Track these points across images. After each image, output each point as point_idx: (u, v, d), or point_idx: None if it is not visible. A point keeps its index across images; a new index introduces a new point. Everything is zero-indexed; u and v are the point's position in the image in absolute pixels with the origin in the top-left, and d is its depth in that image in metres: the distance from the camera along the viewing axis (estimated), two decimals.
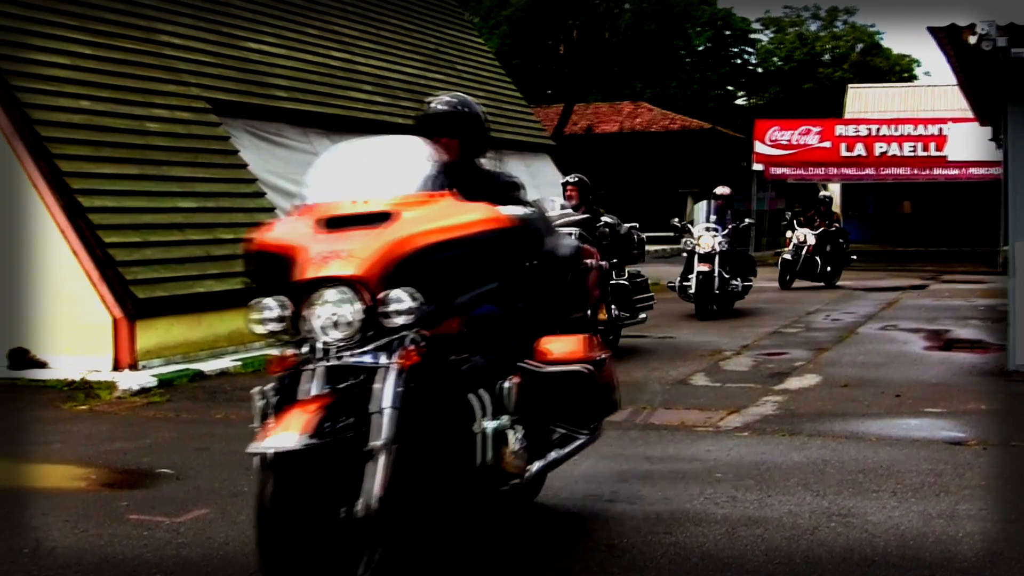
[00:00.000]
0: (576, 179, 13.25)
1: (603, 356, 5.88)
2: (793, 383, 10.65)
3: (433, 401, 4.54)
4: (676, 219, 17.63)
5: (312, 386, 4.33)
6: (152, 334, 11.44)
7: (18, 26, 12.27)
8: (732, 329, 15.04)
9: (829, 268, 22.95)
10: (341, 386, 4.34)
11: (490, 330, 5.02)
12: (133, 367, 11.24)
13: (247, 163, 14.51)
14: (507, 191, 5.37)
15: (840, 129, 35.41)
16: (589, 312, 11.81)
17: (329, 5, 18.50)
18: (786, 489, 6.56)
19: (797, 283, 22.61)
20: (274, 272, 4.53)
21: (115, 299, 11.37)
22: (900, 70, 57.62)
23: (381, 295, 4.33)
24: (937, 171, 33.96)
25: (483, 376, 4.85)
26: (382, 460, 4.16)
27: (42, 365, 11.32)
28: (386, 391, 4.25)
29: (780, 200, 39.65)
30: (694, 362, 11.99)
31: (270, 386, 4.42)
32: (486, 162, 5.83)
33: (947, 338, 14.05)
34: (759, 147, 35.08)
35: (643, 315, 13.49)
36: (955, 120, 32.67)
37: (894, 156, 34.30)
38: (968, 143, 31.70)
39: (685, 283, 16.64)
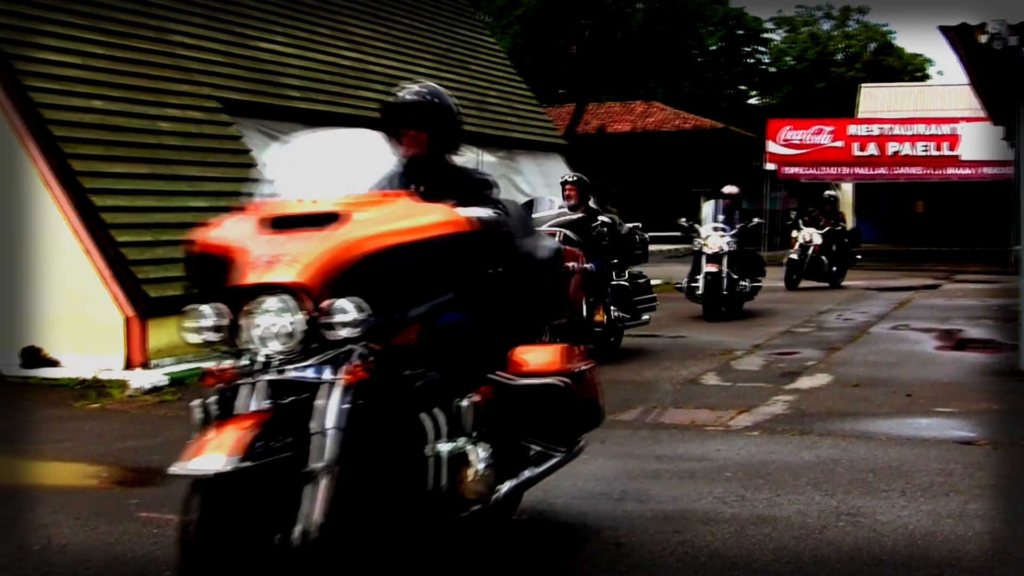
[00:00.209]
0: (575, 178, 13.04)
1: (584, 367, 5.45)
2: (804, 382, 10.64)
3: (381, 421, 4.19)
4: (683, 219, 17.34)
5: (250, 401, 4.03)
6: (164, 333, 11.46)
7: (31, 26, 12.31)
8: (743, 329, 15.02)
9: (835, 268, 22.75)
10: (281, 402, 4.03)
11: (456, 341, 4.70)
12: (145, 366, 11.27)
13: (259, 162, 14.52)
14: (477, 189, 5.05)
15: (852, 129, 35.33)
16: (585, 313, 11.87)
17: (341, 5, 18.53)
18: (795, 488, 6.56)
19: (803, 283, 22.42)
20: (216, 275, 4.22)
21: (127, 298, 11.41)
22: (912, 69, 57.51)
23: (324, 304, 3.99)
24: (950, 171, 33.86)
25: (440, 393, 4.52)
26: (323, 483, 3.84)
27: (54, 364, 11.36)
28: (329, 409, 3.93)
29: (792, 200, 39.54)
30: (705, 361, 11.98)
31: (212, 399, 4.10)
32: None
33: (959, 338, 14.02)
34: (772, 147, 35.02)
35: (646, 316, 13.32)
36: (968, 119, 32.57)
37: (907, 156, 34.21)
38: (981, 143, 31.59)
39: (693, 284, 16.38)
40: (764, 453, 7.58)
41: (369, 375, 4.04)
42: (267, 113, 15.33)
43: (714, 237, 16.35)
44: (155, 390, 10.58)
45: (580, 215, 12.10)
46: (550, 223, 11.44)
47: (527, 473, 5.13)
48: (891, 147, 34.34)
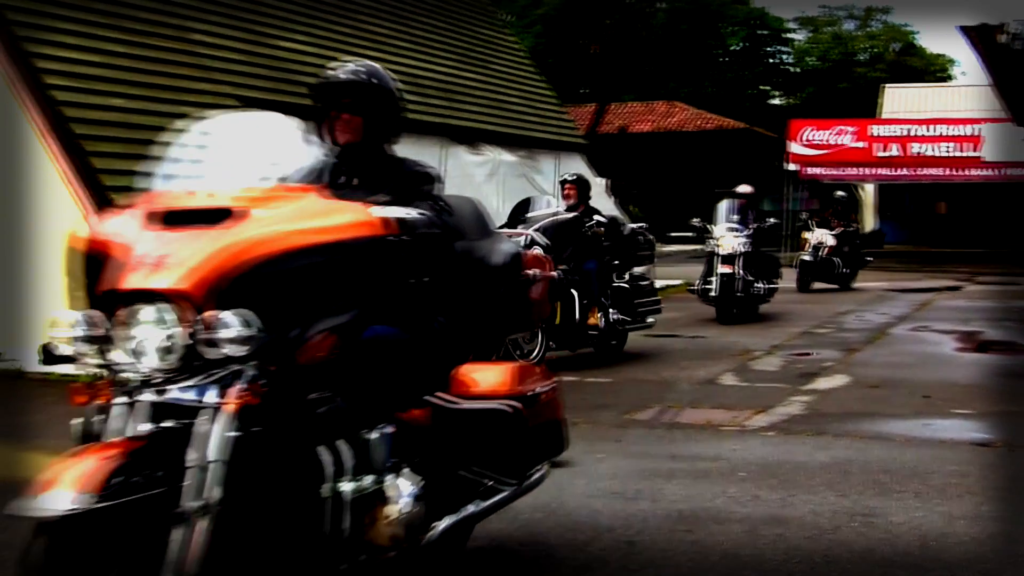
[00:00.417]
0: (574, 177, 12.87)
1: (541, 389, 4.84)
2: (822, 383, 10.62)
3: (271, 454, 3.63)
4: (696, 219, 16.96)
5: (126, 425, 3.49)
6: None
7: (52, 24, 12.37)
8: (762, 330, 14.99)
9: (846, 270, 22.39)
10: (156, 428, 3.52)
11: (382, 359, 4.15)
12: None
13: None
14: (416, 183, 4.50)
15: (874, 129, 35.21)
16: (578, 316, 11.68)
17: (361, 4, 18.56)
18: (809, 489, 6.55)
19: (814, 285, 21.98)
20: (97, 276, 3.67)
21: None
22: (935, 70, 57.29)
23: (207, 316, 3.44)
24: (972, 172, 33.71)
25: (346, 422, 3.94)
26: (198, 526, 3.30)
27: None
28: (211, 438, 3.40)
29: (814, 200, 39.44)
30: (723, 362, 11.97)
31: (97, 418, 3.58)
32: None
33: (979, 340, 13.97)
34: (794, 147, 34.92)
35: (651, 319, 12.98)
36: (991, 120, 32.42)
37: (929, 156, 34.07)
38: (1004, 144, 31.46)
39: (706, 286, 16.01)
40: (779, 453, 7.57)
41: (260, 400, 3.49)
42: (286, 111, 15.26)
43: (728, 238, 16.02)
44: None
45: (571, 215, 11.92)
46: (546, 223, 11.35)
47: (471, 508, 4.54)
48: (913, 148, 34.20)
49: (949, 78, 56.53)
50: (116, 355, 3.57)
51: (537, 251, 5.58)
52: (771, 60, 58.68)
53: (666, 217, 34.53)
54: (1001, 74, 12.42)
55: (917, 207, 41.02)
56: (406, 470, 4.15)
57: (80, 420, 3.63)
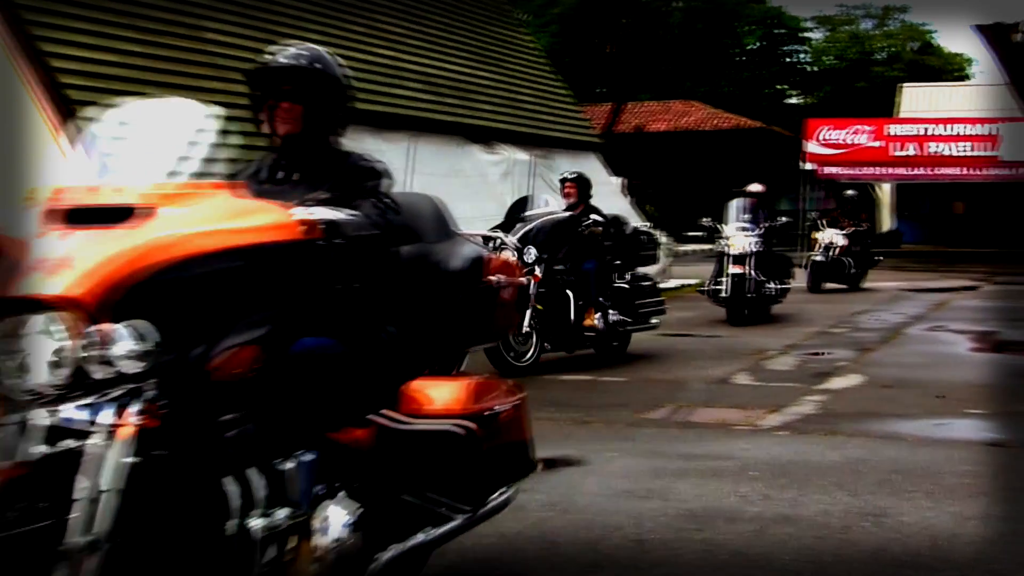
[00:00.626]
0: (574, 175, 12.68)
1: (501, 407, 4.39)
2: (836, 383, 10.59)
3: (172, 484, 3.21)
4: (706, 218, 16.73)
5: (12, 449, 3.13)
6: None
7: (67, 24, 12.43)
8: (777, 329, 14.96)
9: (855, 270, 22.03)
10: (46, 452, 3.12)
11: (314, 374, 3.71)
12: None
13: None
14: (361, 179, 4.11)
15: (891, 128, 35.15)
16: (573, 317, 11.31)
17: (376, 3, 18.61)
18: (820, 488, 6.53)
19: (824, 286, 21.60)
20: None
21: None
22: (952, 69, 57.08)
23: (100, 329, 3.09)
24: (990, 171, 33.61)
25: (262, 447, 3.49)
26: (85, 565, 2.92)
27: None
28: (103, 465, 3.03)
29: (830, 200, 39.39)
30: (737, 361, 11.95)
31: None
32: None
33: (995, 340, 13.92)
34: (810, 146, 34.89)
35: (654, 320, 12.72)
36: (1008, 119, 32.32)
37: (946, 155, 33.99)
38: (1021, 142, 31.38)
39: (716, 286, 15.72)
40: (791, 453, 7.55)
41: (160, 422, 3.17)
42: None
43: (738, 237, 15.78)
44: None
45: (566, 214, 11.77)
46: (538, 223, 11.26)
47: (420, 537, 4.09)
48: (930, 147, 34.12)
49: (967, 77, 56.36)
50: (3, 369, 3.18)
51: (506, 255, 5.16)
52: (788, 59, 58.53)
53: (682, 216, 34.46)
54: (1017, 73, 12.38)
55: (934, 207, 40.92)
56: (341, 497, 3.76)
57: None
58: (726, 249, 15.79)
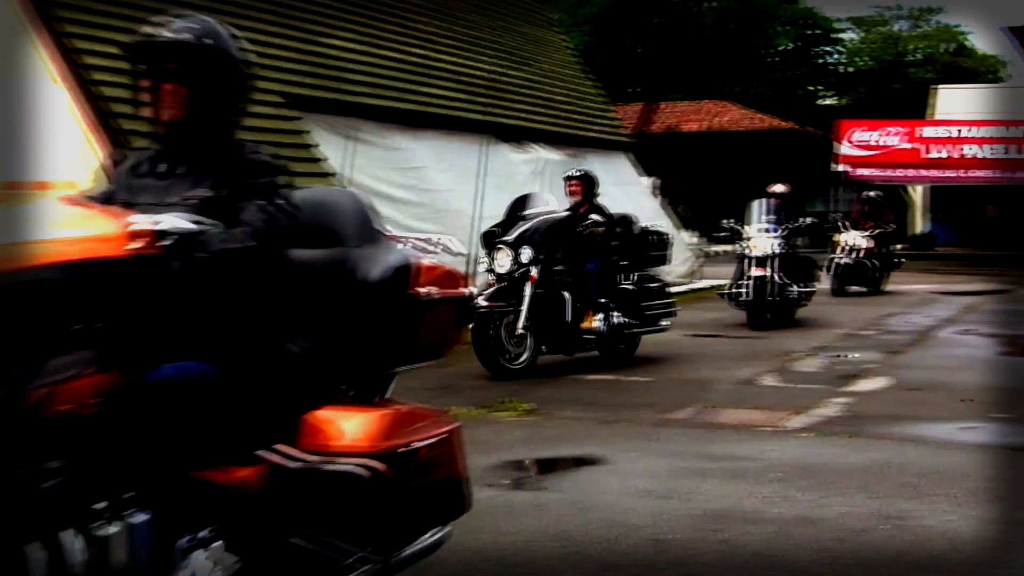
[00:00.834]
0: (580, 173, 12.41)
1: (421, 443, 3.78)
2: (862, 385, 10.57)
3: None
4: (728, 220, 16.36)
5: None
6: None
7: (98, 21, 12.51)
8: (805, 331, 14.90)
9: (879, 273, 21.54)
10: None
11: (176, 407, 3.16)
12: None
13: (326, 156, 14.69)
14: (252, 175, 3.54)
15: (923, 130, 34.98)
16: (570, 318, 10.98)
17: (408, 2, 18.62)
18: (842, 491, 6.52)
19: (846, 289, 21.03)
20: None
21: None
22: (984, 71, 56.72)
23: None
24: (1023, 174, 33.41)
25: (85, 502, 2.91)
26: None
27: None
28: None
29: None
30: (764, 362, 11.93)
31: None
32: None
33: None
34: (843, 148, 34.78)
35: (665, 322, 12.42)
36: None
37: (979, 158, 33.80)
38: None
39: (737, 289, 15.26)
40: (814, 455, 7.55)
41: None
42: (333, 109, 15.45)
43: (760, 238, 15.39)
44: None
45: (563, 214, 11.60)
46: (534, 222, 11.13)
47: None
48: (963, 149, 33.95)
49: (1001, 79, 55.98)
50: None
51: (446, 263, 4.30)
52: (820, 60, 58.30)
53: (714, 217, 34.40)
54: None
55: (967, 209, 40.66)
56: (215, 548, 3.27)
57: None
58: (747, 251, 15.47)
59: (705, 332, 14.17)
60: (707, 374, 11.15)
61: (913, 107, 42.72)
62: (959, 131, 34.41)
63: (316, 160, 14.54)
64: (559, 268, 11.29)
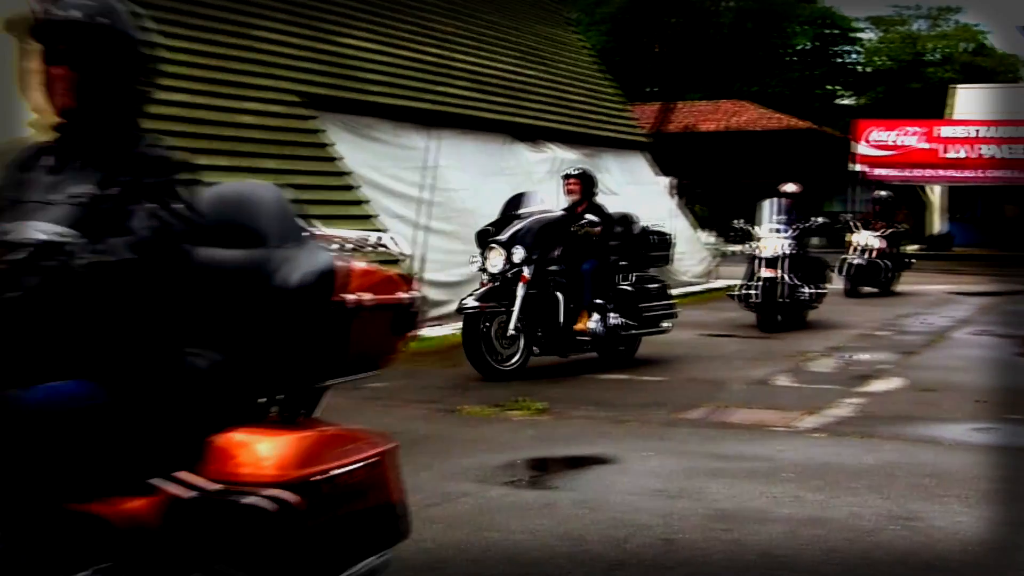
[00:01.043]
0: (578, 172, 12.18)
1: (342, 469, 3.34)
2: (876, 386, 10.55)
3: None
4: (739, 220, 16.06)
5: None
6: None
7: None
8: (819, 332, 14.87)
9: (891, 274, 21.38)
10: None
11: (46, 432, 2.82)
12: None
13: (342, 156, 14.73)
14: (142, 173, 3.07)
15: (941, 130, 34.89)
16: (563, 320, 10.79)
17: (425, 1, 18.65)
18: (852, 491, 6.52)
19: (862, 290, 20.96)
20: None
21: None
22: (1005, 70, 56.52)
23: None
24: None
25: None
26: None
27: None
28: None
29: None
30: (778, 363, 11.92)
31: None
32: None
33: None
34: (860, 148, 34.71)
35: (666, 324, 12.18)
36: None
37: (997, 158, 33.69)
38: None
39: (747, 291, 15.02)
40: (826, 455, 7.54)
41: None
42: (349, 108, 15.49)
43: (770, 239, 15.15)
44: None
45: (557, 214, 11.48)
46: (527, 222, 11.01)
47: None
48: (981, 149, 33.84)
49: (1020, 79, 55.78)
50: None
51: (384, 266, 3.83)
52: (839, 60, 58.20)
53: (732, 217, 34.40)
54: None
55: (986, 210, 40.57)
56: None
57: None
58: (757, 252, 15.24)
59: (720, 332, 14.16)
60: (720, 374, 11.14)
61: (932, 107, 42.65)
62: (977, 131, 34.30)
63: (332, 159, 14.58)
64: (553, 268, 11.11)
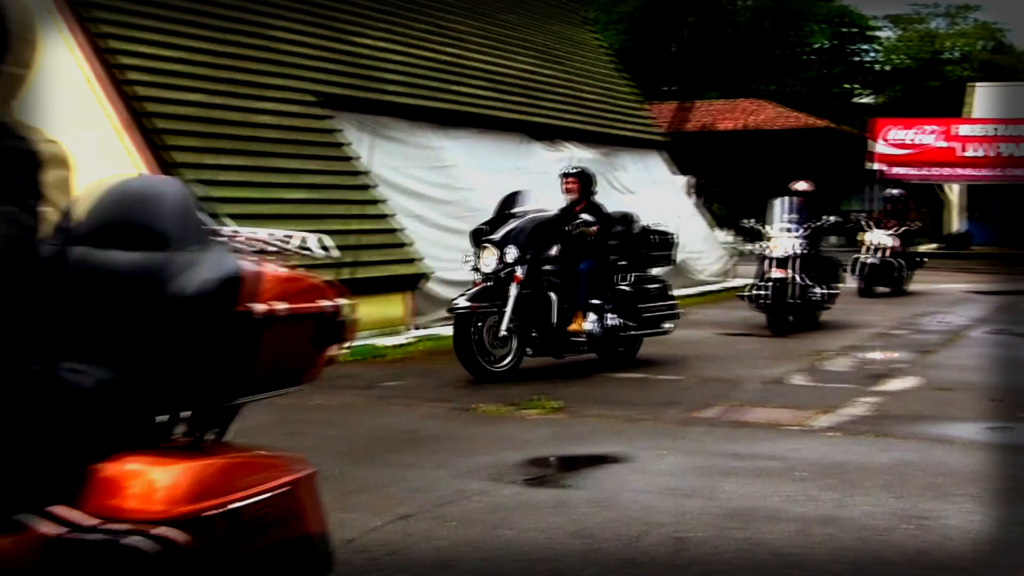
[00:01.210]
0: (577, 170, 11.94)
1: (247, 501, 2.86)
2: (892, 385, 10.54)
3: None
4: (749, 220, 15.86)
5: None
6: None
7: (132, 21, 12.62)
8: (836, 331, 14.85)
9: (904, 272, 21.09)
10: None
11: None
12: None
13: (358, 155, 14.77)
14: (3, 166, 2.39)
15: (959, 128, 34.80)
16: (556, 320, 10.60)
17: (441, 1, 18.68)
18: (866, 490, 6.53)
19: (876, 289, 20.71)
20: None
21: None
22: (1022, 68, 56.31)
23: None
24: None
25: None
26: None
27: None
28: None
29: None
30: (794, 361, 11.92)
31: None
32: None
33: None
34: (878, 146, 34.63)
35: (668, 325, 12.01)
36: None
37: (1016, 156, 33.59)
38: None
39: (757, 291, 14.62)
40: (840, 454, 7.54)
41: None
42: (365, 107, 15.52)
43: (781, 239, 14.79)
44: None
45: (551, 214, 11.31)
46: (517, 223, 10.88)
47: None
48: (999, 148, 33.75)
49: None
50: None
51: (305, 271, 3.35)
52: (856, 58, 58.06)
53: (750, 216, 34.38)
54: None
55: (1005, 208, 40.43)
56: None
57: None
58: (768, 251, 14.88)
59: (736, 331, 14.16)
60: (737, 373, 11.14)
61: (950, 105, 42.53)
62: (995, 129, 34.18)
63: (348, 159, 14.62)
64: (548, 268, 10.99)
